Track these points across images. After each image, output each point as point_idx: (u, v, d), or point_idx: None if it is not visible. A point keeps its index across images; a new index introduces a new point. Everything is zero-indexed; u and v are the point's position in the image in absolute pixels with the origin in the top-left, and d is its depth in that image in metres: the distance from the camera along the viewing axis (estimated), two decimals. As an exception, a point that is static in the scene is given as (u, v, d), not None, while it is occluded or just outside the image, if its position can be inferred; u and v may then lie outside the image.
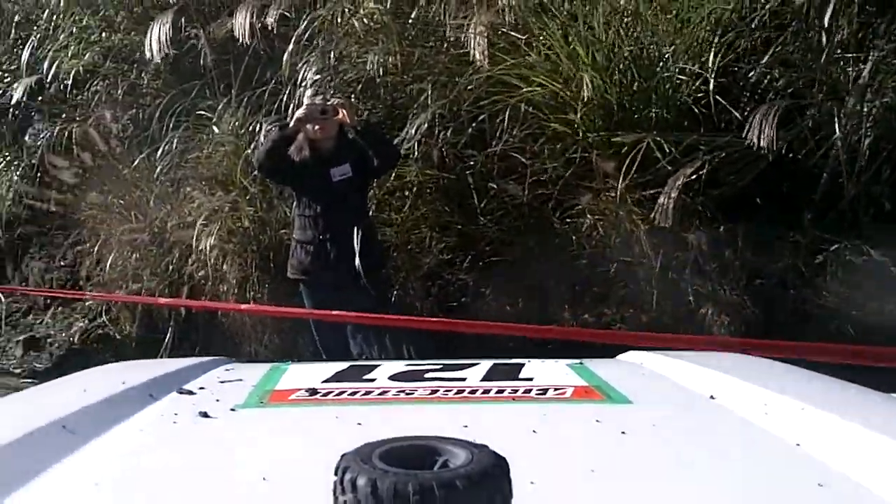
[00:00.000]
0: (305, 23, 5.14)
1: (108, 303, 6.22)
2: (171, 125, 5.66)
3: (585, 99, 4.35)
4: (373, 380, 1.53)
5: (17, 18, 7.58)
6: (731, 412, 1.29)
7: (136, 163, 5.79)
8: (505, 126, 4.58)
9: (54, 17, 6.99)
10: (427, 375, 1.57)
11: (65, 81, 6.84)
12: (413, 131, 4.77)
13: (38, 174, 6.87)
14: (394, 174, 4.82)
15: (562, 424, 1.24)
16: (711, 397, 1.38)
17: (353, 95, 5.08)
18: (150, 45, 5.32)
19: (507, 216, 4.65)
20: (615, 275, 4.40)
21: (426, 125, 4.77)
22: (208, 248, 4.95)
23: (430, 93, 4.74)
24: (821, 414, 1.18)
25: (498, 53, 4.63)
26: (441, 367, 1.67)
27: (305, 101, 4.47)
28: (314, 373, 1.63)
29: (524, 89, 4.50)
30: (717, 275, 4.30)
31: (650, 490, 0.95)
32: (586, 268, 4.44)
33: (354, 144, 4.35)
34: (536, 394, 1.40)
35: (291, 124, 4.34)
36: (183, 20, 5.55)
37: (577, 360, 1.73)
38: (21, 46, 7.43)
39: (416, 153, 4.82)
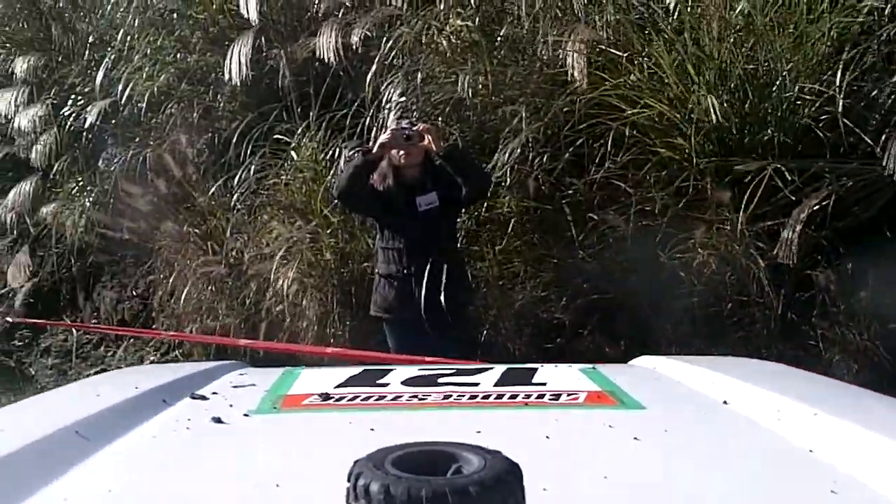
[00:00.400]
0: (390, 42, 5.07)
1: (179, 329, 6.25)
2: (248, 150, 5.65)
3: (696, 122, 4.17)
4: (386, 385, 1.57)
5: (91, 39, 7.75)
6: (744, 418, 1.32)
7: (212, 190, 5.80)
8: (606, 151, 4.42)
9: (128, 37, 7.11)
10: (440, 381, 1.61)
11: (139, 104, 6.95)
12: (505, 157, 4.65)
13: (111, 200, 6.97)
14: (484, 203, 4.71)
15: (575, 430, 1.28)
16: (725, 403, 1.41)
17: (439, 119, 4.99)
18: (230, 66, 5.32)
19: (608, 250, 4.48)
20: (729, 315, 4.19)
21: (519, 150, 4.65)
22: (288, 282, 4.90)
23: (523, 115, 4.62)
24: (834, 420, 1.20)
25: (597, 72, 4.48)
26: (454, 371, 1.73)
27: (389, 125, 4.40)
28: (327, 378, 1.66)
29: (627, 111, 4.34)
30: (845, 317, 4.06)
31: (663, 496, 0.98)
32: (697, 307, 4.23)
33: (442, 171, 4.26)
34: (549, 399, 1.44)
35: (374, 150, 4.27)
36: (262, 41, 5.52)
37: (590, 365, 1.78)
38: (95, 68, 7.60)
39: (508, 181, 4.70)
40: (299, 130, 5.63)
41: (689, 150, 4.24)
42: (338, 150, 5.47)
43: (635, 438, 1.18)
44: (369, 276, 4.97)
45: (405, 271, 4.26)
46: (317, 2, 5.51)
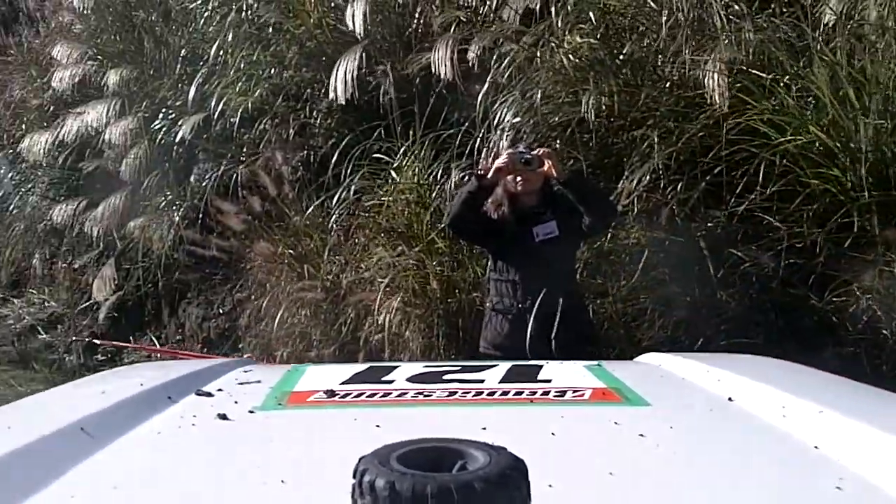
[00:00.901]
0: (504, 59, 4.65)
1: (269, 354, 5.89)
2: (349, 169, 5.28)
3: (855, 151, 3.67)
4: (391, 382, 1.54)
5: (183, 53, 7.50)
6: (749, 414, 1.31)
7: (309, 210, 5.44)
8: (749, 181, 3.93)
9: (222, 52, 6.83)
10: (445, 377, 1.58)
11: (231, 119, 6.65)
12: (633, 184, 4.19)
13: (201, 216, 6.67)
14: (608, 234, 4.25)
15: (580, 426, 1.26)
16: (730, 399, 1.39)
17: (557, 141, 4.55)
18: (335, 84, 4.95)
19: (751, 289, 3.98)
20: (892, 370, 3.66)
21: (648, 177, 4.19)
22: (392, 310, 4.49)
23: (655, 140, 4.15)
24: (839, 416, 1.18)
25: (739, 95, 4.00)
26: (459, 368, 1.69)
27: (504, 148, 3.99)
28: (332, 375, 1.64)
29: (776, 138, 3.85)
30: None
31: (668, 493, 0.97)
32: (852, 357, 3.71)
33: (562, 199, 3.83)
34: (555, 396, 1.43)
35: (489, 175, 3.85)
36: (364, 57, 5.15)
37: (596, 362, 1.76)
38: (186, 82, 7.34)
39: (635, 210, 4.23)
40: (402, 150, 5.24)
41: (846, 181, 3.72)
42: (442, 171, 5.07)
43: (640, 435, 1.16)
44: (477, 307, 4.55)
45: (519, 306, 3.84)
46: (430, 16, 5.10)
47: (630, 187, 4.20)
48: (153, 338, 7.26)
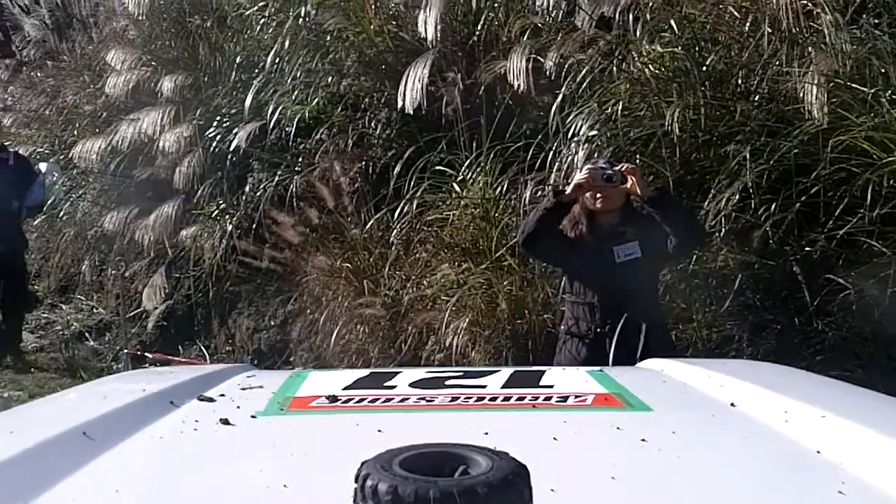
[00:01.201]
0: (584, 68, 4.39)
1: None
2: (411, 182, 5.04)
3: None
4: (393, 387, 1.54)
5: (238, 60, 7.32)
6: (751, 420, 1.30)
7: (369, 223, 5.21)
8: (849, 203, 3.63)
9: (278, 59, 6.64)
10: (448, 383, 1.57)
11: (286, 128, 6.46)
12: (721, 204, 3.90)
13: (253, 226, 6.47)
14: (693, 256, 3.96)
15: (582, 432, 1.25)
16: (732, 405, 1.39)
17: (638, 157, 4.27)
18: (403, 92, 4.71)
19: (851, 318, 3.66)
20: None
21: (737, 196, 3.90)
22: (459, 331, 4.24)
23: (746, 157, 3.86)
24: (841, 421, 1.18)
25: (838, 110, 3.71)
26: (461, 374, 1.68)
27: (578, 162, 3.73)
28: (335, 380, 1.63)
29: (879, 158, 3.54)
30: None
31: (671, 498, 0.97)
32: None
33: (645, 219, 3.59)
34: (557, 401, 1.42)
35: (568, 191, 3.61)
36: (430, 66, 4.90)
37: (598, 368, 1.77)
38: (241, 90, 7.16)
39: (723, 231, 3.94)
40: (467, 162, 5.00)
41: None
42: (509, 184, 4.83)
43: (643, 440, 1.16)
44: (548, 329, 4.29)
45: (597, 330, 3.63)
46: (501, 23, 4.85)
47: (718, 206, 3.92)
48: (202, 348, 7.07)
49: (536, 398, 1.43)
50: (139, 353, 6.97)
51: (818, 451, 1.10)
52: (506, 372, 1.68)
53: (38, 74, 11.65)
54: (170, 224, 6.78)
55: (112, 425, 1.22)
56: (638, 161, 4.29)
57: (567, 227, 3.72)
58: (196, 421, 1.30)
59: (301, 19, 6.56)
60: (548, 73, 4.42)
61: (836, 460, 1.06)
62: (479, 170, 4.91)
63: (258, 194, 6.31)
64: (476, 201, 4.80)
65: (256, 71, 6.96)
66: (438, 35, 4.78)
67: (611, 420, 1.29)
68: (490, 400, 1.44)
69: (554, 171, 4.53)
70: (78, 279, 8.70)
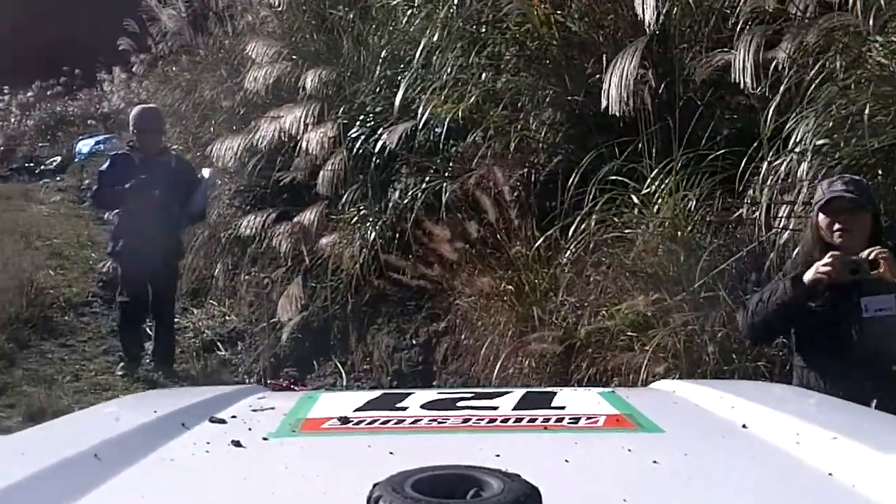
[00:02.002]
0: (814, 62, 3.72)
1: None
2: (591, 194, 4.48)
3: None
4: (405, 408, 1.54)
5: (383, 54, 6.93)
6: (763, 441, 1.31)
7: (539, 240, 4.67)
8: None
9: (427, 53, 6.19)
10: (459, 404, 1.58)
11: (436, 129, 6.00)
12: None
13: (398, 236, 6.05)
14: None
15: (594, 453, 1.28)
16: (743, 426, 1.40)
17: (879, 172, 3.58)
18: (608, 92, 4.14)
19: None
20: None
21: None
22: (656, 377, 3.64)
23: None
24: (853, 443, 1.19)
25: None
26: (473, 395, 1.70)
27: (820, 191, 3.07)
28: (346, 401, 1.65)
29: None
30: None
31: None
32: None
33: None
34: (569, 422, 1.43)
35: (808, 277, 2.97)
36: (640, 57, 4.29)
37: (609, 389, 1.82)
38: (386, 86, 6.77)
39: None
40: (653, 173, 4.40)
41: None
42: (703, 199, 4.22)
43: (654, 462, 1.16)
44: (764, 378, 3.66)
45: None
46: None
47: None
48: (338, 364, 6.72)
49: (548, 419, 1.44)
50: (273, 363, 6.72)
51: (830, 474, 1.10)
52: (518, 393, 1.70)
53: (174, 69, 11.71)
54: (311, 231, 6.44)
55: (123, 447, 1.23)
56: (879, 177, 3.61)
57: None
58: (207, 443, 1.30)
59: (453, 9, 6.10)
60: (781, 67, 3.75)
61: (848, 483, 1.06)
62: (668, 181, 4.30)
63: (405, 201, 5.87)
64: (665, 219, 4.20)
65: (403, 66, 6.56)
66: (660, 17, 4.11)
67: (622, 441, 1.31)
68: (502, 421, 1.45)
69: (767, 185, 3.88)
70: (210, 283, 8.55)
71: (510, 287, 4.75)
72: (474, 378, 5.18)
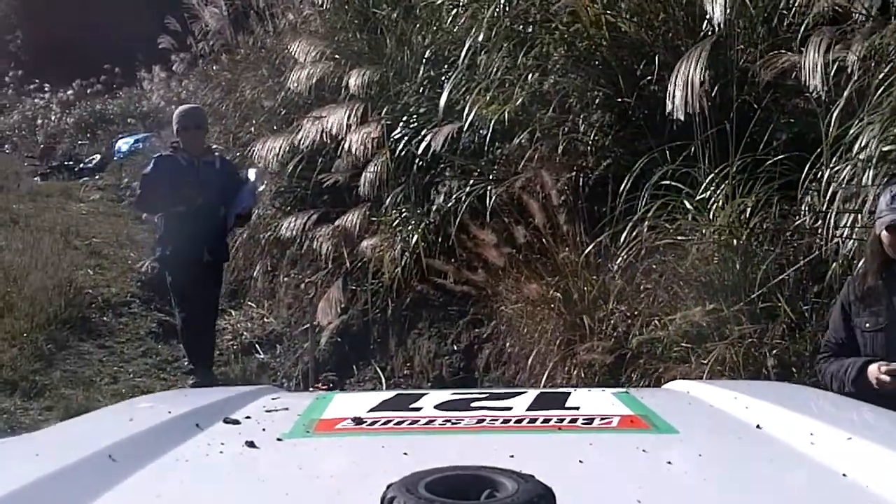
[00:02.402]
0: (882, 65, 3.61)
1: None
2: (643, 200, 4.39)
3: None
4: (419, 409, 1.56)
5: (427, 54, 6.90)
6: (777, 442, 1.32)
7: (590, 246, 4.60)
8: None
9: (473, 53, 6.13)
10: (473, 405, 1.60)
11: (481, 131, 5.94)
12: None
13: (441, 240, 6.01)
14: None
15: (608, 454, 1.30)
16: (758, 427, 1.40)
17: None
18: (673, 95, 4.05)
19: None
20: None
21: None
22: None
23: None
24: (867, 444, 1.21)
25: None
26: (487, 396, 1.71)
27: (883, 203, 2.96)
28: (360, 402, 1.65)
29: None
30: None
31: None
32: None
33: None
34: (583, 423, 1.44)
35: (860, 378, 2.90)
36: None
37: (623, 390, 1.84)
38: (430, 87, 6.73)
39: None
40: (708, 178, 4.31)
41: None
42: (760, 206, 4.12)
43: (669, 463, 1.20)
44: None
45: None
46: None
47: None
48: (378, 369, 6.69)
49: (562, 420, 1.45)
50: (312, 367, 6.70)
51: (844, 474, 1.11)
52: (532, 394, 1.70)
53: (214, 68, 11.78)
54: (353, 233, 6.41)
55: (138, 448, 1.24)
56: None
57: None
58: (221, 444, 1.31)
59: (500, 8, 6.04)
60: (850, 70, 3.65)
61: (862, 483, 1.07)
62: (724, 186, 4.21)
63: (449, 205, 5.81)
64: (721, 226, 4.11)
65: (448, 67, 6.52)
66: (730, 14, 4.00)
67: (636, 442, 1.31)
68: (516, 422, 1.46)
69: (828, 194, 3.77)
70: (249, 284, 8.56)
71: (558, 294, 4.68)
72: (519, 386, 5.13)
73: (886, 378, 2.77)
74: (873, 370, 2.84)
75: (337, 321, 6.88)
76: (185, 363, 6.79)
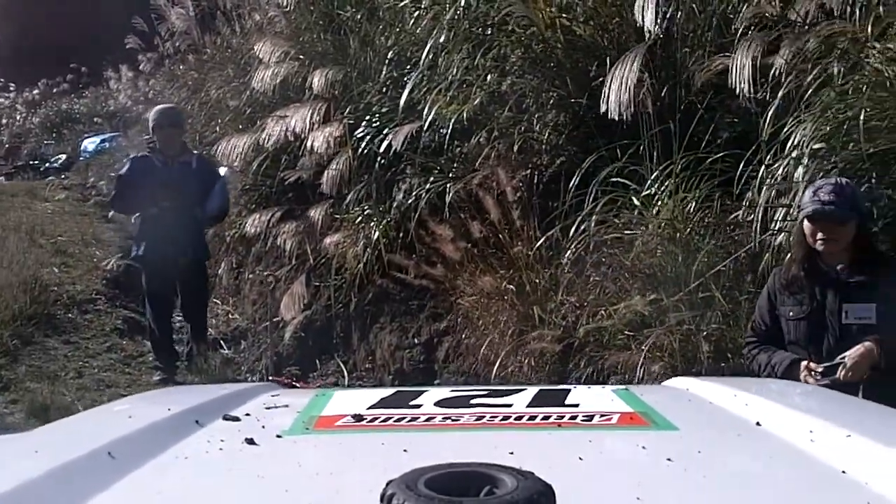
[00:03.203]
0: (813, 67, 3.84)
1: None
2: (591, 196, 4.59)
3: None
4: (419, 406, 1.56)
5: (390, 55, 7.07)
6: (776, 439, 1.33)
7: (541, 240, 4.79)
8: None
9: (434, 55, 6.31)
10: (473, 402, 1.59)
11: (441, 130, 6.12)
12: None
13: (402, 236, 6.18)
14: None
15: (608, 451, 1.33)
16: (757, 424, 1.41)
17: (873, 175, 3.69)
18: (607, 97, 4.26)
19: None
20: None
21: None
22: (653, 375, 3.76)
23: None
24: (866, 441, 1.21)
25: None
26: (487, 393, 1.71)
27: (807, 197, 3.15)
28: (360, 399, 1.66)
29: None
30: None
31: None
32: None
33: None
34: (582, 420, 1.44)
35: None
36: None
37: (623, 386, 1.80)
38: (392, 87, 6.90)
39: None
40: (653, 174, 4.52)
41: None
42: (701, 202, 4.33)
43: (668, 460, 1.17)
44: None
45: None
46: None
47: None
48: (340, 363, 6.84)
49: (562, 417, 1.45)
50: (276, 361, 6.83)
51: (843, 471, 1.11)
52: (531, 391, 1.70)
53: (181, 67, 11.86)
54: (315, 230, 6.56)
55: (137, 445, 1.24)
56: (873, 181, 3.72)
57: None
58: (221, 441, 1.31)
59: (460, 10, 6.22)
60: (779, 72, 3.87)
61: (861, 480, 1.07)
62: (668, 183, 4.42)
63: (409, 201, 5.99)
64: (665, 220, 4.32)
65: (409, 67, 6.69)
66: (658, 25, 4.23)
67: (636, 439, 1.32)
68: (515, 419, 1.46)
69: (764, 188, 4.00)
70: (214, 282, 8.67)
71: (511, 286, 4.87)
72: (475, 376, 5.31)
73: (812, 382, 2.96)
74: (803, 372, 3.02)
75: (300, 316, 7.02)
76: (151, 358, 6.89)
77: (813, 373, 2.98)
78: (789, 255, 3.43)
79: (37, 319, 7.45)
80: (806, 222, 3.10)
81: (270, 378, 6.08)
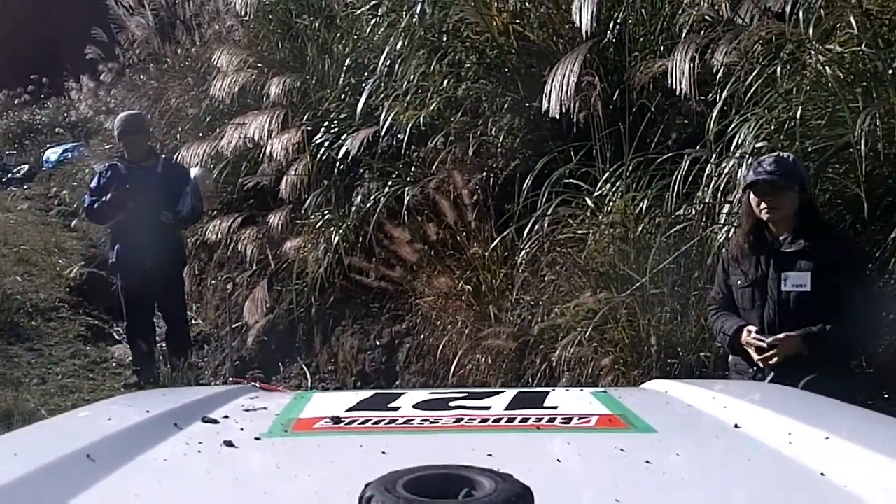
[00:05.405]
0: (754, 68, 3.89)
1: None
2: (544, 197, 4.61)
3: None
4: (397, 408, 1.55)
5: (347, 62, 7.05)
6: (755, 441, 1.31)
7: (496, 241, 4.80)
8: None
9: (391, 61, 6.31)
10: (452, 404, 1.58)
11: (398, 135, 6.11)
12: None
13: (361, 239, 6.16)
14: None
15: (586, 453, 1.29)
16: (736, 426, 1.40)
17: (822, 175, 3.75)
18: (549, 95, 4.28)
19: None
20: None
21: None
22: (602, 369, 3.79)
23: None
24: (845, 443, 1.20)
25: None
26: (466, 395, 1.69)
27: (751, 171, 3.24)
28: (338, 401, 1.64)
29: None
30: None
31: None
32: None
33: (829, 242, 3.19)
34: (561, 422, 1.42)
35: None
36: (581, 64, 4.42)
37: (602, 389, 1.81)
38: (350, 93, 6.88)
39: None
40: (605, 175, 4.55)
41: None
42: (653, 200, 4.36)
43: (647, 462, 1.16)
44: (702, 370, 3.81)
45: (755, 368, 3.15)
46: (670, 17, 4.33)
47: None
48: (303, 366, 6.80)
49: (540, 419, 1.43)
50: (239, 365, 6.76)
51: (822, 474, 1.10)
52: (510, 393, 1.69)
53: (141, 77, 11.73)
54: (275, 235, 6.52)
55: (116, 448, 1.22)
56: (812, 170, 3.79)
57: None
58: (200, 443, 1.30)
59: (415, 18, 6.23)
60: (716, 72, 3.92)
61: (840, 482, 1.06)
62: (619, 184, 4.45)
63: (368, 206, 5.97)
64: (616, 220, 4.35)
65: (367, 74, 6.68)
66: (593, 26, 4.27)
67: (615, 441, 1.30)
68: (494, 421, 1.44)
69: (711, 187, 4.04)
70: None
71: (468, 287, 4.88)
72: (435, 376, 5.31)
73: (752, 344, 3.10)
74: (743, 336, 3.15)
75: (263, 321, 6.97)
76: (114, 365, 6.80)
77: (752, 336, 3.13)
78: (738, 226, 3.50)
79: (0, 327, 7.33)
80: (751, 194, 3.18)
81: (231, 380, 6.01)
